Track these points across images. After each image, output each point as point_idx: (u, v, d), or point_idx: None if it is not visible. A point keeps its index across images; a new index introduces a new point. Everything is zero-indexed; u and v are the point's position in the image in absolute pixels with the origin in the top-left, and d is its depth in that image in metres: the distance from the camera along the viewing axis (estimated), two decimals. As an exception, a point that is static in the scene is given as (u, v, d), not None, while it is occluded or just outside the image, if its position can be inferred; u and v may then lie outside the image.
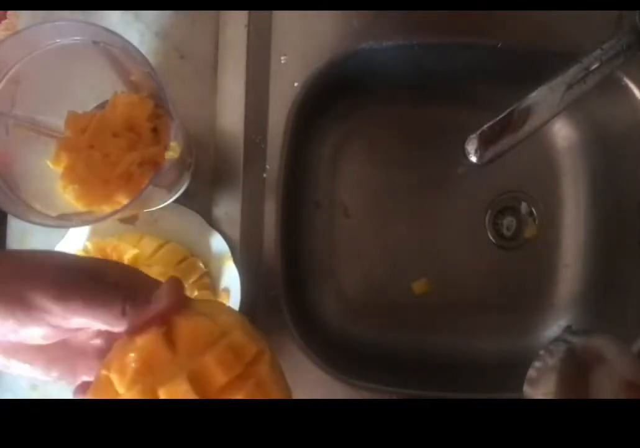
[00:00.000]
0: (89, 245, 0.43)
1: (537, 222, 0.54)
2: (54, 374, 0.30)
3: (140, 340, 0.27)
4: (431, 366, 0.52)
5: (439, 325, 0.54)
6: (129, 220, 0.45)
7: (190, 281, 0.43)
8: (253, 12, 0.45)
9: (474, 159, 0.40)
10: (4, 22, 0.50)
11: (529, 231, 0.54)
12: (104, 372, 0.27)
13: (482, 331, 0.53)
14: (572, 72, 0.39)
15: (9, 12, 0.49)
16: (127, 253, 0.42)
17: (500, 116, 0.39)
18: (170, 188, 0.41)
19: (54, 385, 0.46)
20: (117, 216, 0.35)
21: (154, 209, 0.43)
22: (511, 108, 0.39)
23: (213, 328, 0.28)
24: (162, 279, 0.41)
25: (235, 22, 0.45)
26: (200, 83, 0.45)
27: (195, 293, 0.43)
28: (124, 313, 0.27)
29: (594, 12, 0.44)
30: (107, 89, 0.39)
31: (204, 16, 0.45)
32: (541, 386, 0.34)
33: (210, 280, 0.45)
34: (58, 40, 0.35)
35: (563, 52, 0.44)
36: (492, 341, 0.53)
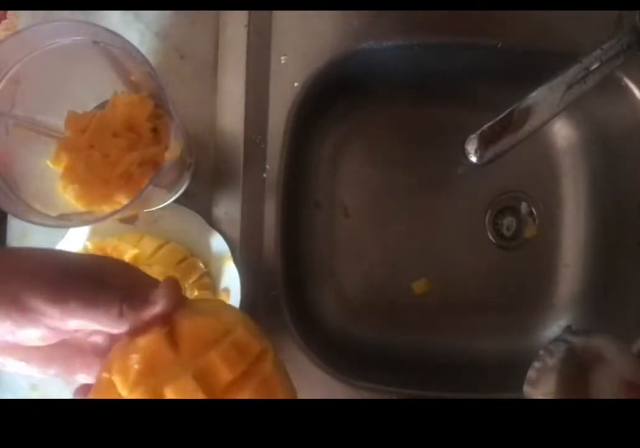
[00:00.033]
0: (89, 245, 0.43)
1: (537, 222, 0.54)
2: (51, 371, 0.30)
3: (143, 341, 0.27)
4: (431, 366, 0.52)
5: (439, 325, 0.54)
6: (129, 220, 0.45)
7: (190, 281, 0.43)
8: (253, 12, 0.45)
9: (474, 159, 0.40)
10: (4, 22, 0.50)
11: (529, 231, 0.54)
12: (105, 375, 0.27)
13: (482, 331, 0.53)
14: (572, 72, 0.39)
15: (9, 12, 0.49)
16: (127, 253, 0.42)
17: (500, 116, 0.39)
18: (170, 188, 0.41)
19: (54, 385, 0.46)
20: (117, 216, 0.35)
21: (154, 209, 0.43)
22: (511, 108, 0.39)
23: (216, 327, 0.28)
24: (161, 279, 0.41)
25: (235, 22, 0.45)
26: (200, 83, 0.45)
27: (195, 293, 0.43)
28: (121, 315, 0.27)
29: (594, 12, 0.44)
30: (107, 89, 0.39)
31: (204, 16, 0.45)
32: (541, 386, 0.34)
33: (210, 280, 0.45)
34: (58, 40, 0.35)
35: (563, 52, 0.44)
36: (492, 341, 0.53)
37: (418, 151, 0.54)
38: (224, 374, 0.26)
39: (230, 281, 0.44)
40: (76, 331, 0.29)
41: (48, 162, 0.38)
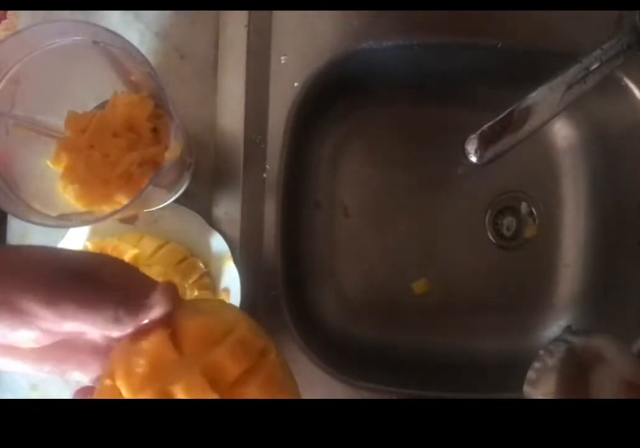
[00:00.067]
0: (89, 245, 0.43)
1: (537, 222, 0.54)
2: (46, 369, 0.29)
3: (146, 344, 0.26)
4: (431, 366, 0.52)
5: (439, 325, 0.54)
6: (129, 220, 0.45)
7: (190, 281, 0.43)
8: (253, 12, 0.45)
9: (474, 159, 0.40)
10: (4, 22, 0.50)
11: (529, 231, 0.54)
12: (107, 382, 0.27)
13: (482, 331, 0.53)
14: (572, 72, 0.39)
15: (9, 12, 0.49)
16: (127, 253, 0.42)
17: (500, 116, 0.39)
18: (170, 188, 0.41)
19: (54, 385, 0.46)
20: (117, 216, 0.35)
21: (154, 209, 0.43)
22: (511, 108, 0.39)
23: (219, 325, 0.28)
24: (162, 279, 0.41)
25: (235, 22, 0.45)
26: (200, 83, 0.45)
27: (195, 293, 0.43)
28: (117, 318, 0.27)
29: (594, 12, 0.44)
30: (107, 89, 0.39)
31: (204, 16, 0.45)
32: (541, 386, 0.34)
33: (210, 280, 0.45)
34: (58, 40, 0.35)
35: (563, 52, 0.44)
36: (492, 341, 0.53)
37: (418, 151, 0.54)
38: (232, 369, 0.26)
39: (230, 281, 0.44)
40: (70, 333, 0.28)
41: (48, 162, 0.38)
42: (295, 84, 0.46)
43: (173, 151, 0.35)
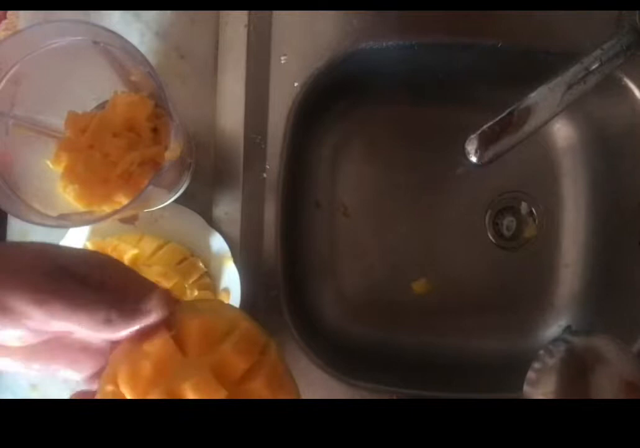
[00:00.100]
0: (89, 245, 0.43)
1: (537, 222, 0.54)
2: (35, 367, 0.28)
3: (151, 347, 0.26)
4: (431, 366, 0.52)
5: (439, 325, 0.54)
6: (129, 220, 0.45)
7: (190, 281, 0.43)
8: (253, 12, 0.45)
9: (474, 159, 0.40)
10: (4, 22, 0.50)
11: (529, 231, 0.54)
12: (109, 388, 0.26)
13: (482, 331, 0.53)
14: (572, 72, 0.39)
15: (9, 12, 0.49)
16: (127, 253, 0.42)
17: (500, 116, 0.39)
18: (170, 188, 0.41)
19: (53, 385, 0.46)
20: (117, 216, 0.35)
21: (154, 209, 0.43)
22: (511, 108, 0.39)
23: (220, 323, 0.28)
24: (162, 279, 0.41)
25: (235, 22, 0.45)
26: (200, 83, 0.45)
27: (195, 293, 0.43)
28: (109, 321, 0.26)
29: (594, 12, 0.44)
30: (107, 89, 0.39)
31: (204, 16, 0.45)
32: (541, 386, 0.34)
33: (210, 280, 0.45)
34: (58, 40, 0.35)
35: (563, 52, 0.44)
36: (492, 341, 0.53)
37: (418, 151, 0.54)
38: (238, 365, 0.27)
39: (230, 281, 0.44)
40: (57, 332, 0.27)
41: (48, 162, 0.38)
42: (295, 84, 0.46)
43: (173, 151, 0.35)
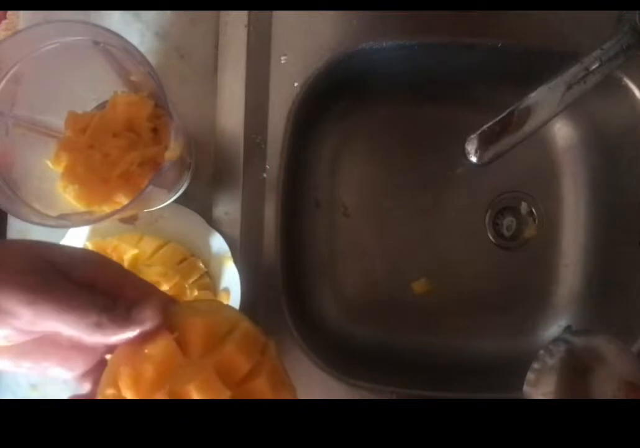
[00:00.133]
0: (89, 245, 0.43)
1: (537, 222, 0.54)
2: (26, 365, 0.28)
3: (152, 349, 0.26)
4: (431, 366, 0.52)
5: (439, 325, 0.54)
6: (129, 220, 0.45)
7: (190, 281, 0.43)
8: (253, 12, 0.45)
9: (474, 159, 0.40)
10: (4, 22, 0.50)
11: (529, 231, 0.54)
12: (110, 392, 0.26)
13: (482, 331, 0.53)
14: (572, 72, 0.39)
15: (9, 12, 0.49)
16: (127, 253, 0.42)
17: (500, 116, 0.39)
18: (170, 188, 0.41)
19: (53, 385, 0.46)
20: (117, 216, 0.35)
21: (154, 209, 0.43)
22: (511, 108, 0.39)
23: (221, 323, 0.28)
24: (162, 279, 0.41)
25: (235, 22, 0.45)
26: (200, 83, 0.45)
27: (195, 293, 0.43)
28: (99, 324, 0.25)
29: (594, 12, 0.44)
30: (107, 89, 0.39)
31: (204, 16, 0.45)
32: (541, 386, 0.34)
33: (210, 280, 0.45)
34: (58, 40, 0.35)
35: (563, 52, 0.44)
36: (492, 341, 0.53)
37: (418, 151, 0.54)
38: (242, 365, 0.27)
39: (230, 281, 0.44)
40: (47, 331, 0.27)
41: (48, 162, 0.38)
42: (295, 84, 0.46)
43: (173, 151, 0.35)
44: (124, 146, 0.38)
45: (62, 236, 0.45)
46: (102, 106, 0.40)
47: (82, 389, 0.30)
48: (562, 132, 0.53)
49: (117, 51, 0.36)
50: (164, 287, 0.42)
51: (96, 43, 0.35)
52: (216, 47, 0.45)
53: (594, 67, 0.39)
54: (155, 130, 0.39)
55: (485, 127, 0.39)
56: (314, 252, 0.53)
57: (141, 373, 0.26)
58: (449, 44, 0.47)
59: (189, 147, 0.42)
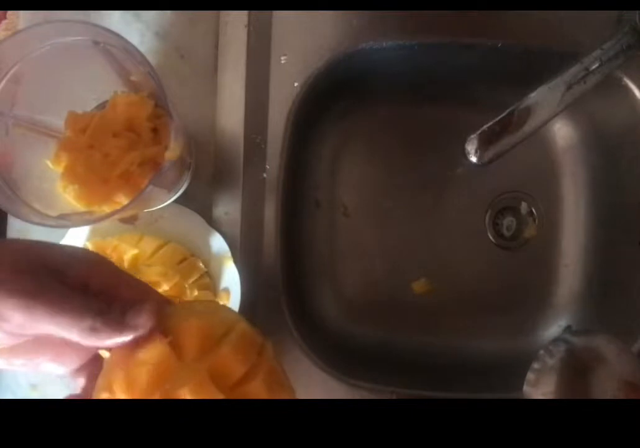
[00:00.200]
0: (89, 245, 0.43)
1: (537, 222, 0.54)
2: (18, 362, 0.28)
3: (146, 353, 0.26)
4: (431, 366, 0.52)
5: (439, 325, 0.54)
6: (129, 220, 0.45)
7: (190, 281, 0.43)
8: (253, 12, 0.45)
9: (474, 159, 0.40)
10: (4, 22, 0.50)
11: (529, 231, 0.54)
12: (104, 395, 0.26)
13: (482, 331, 0.53)
14: (572, 72, 0.39)
15: (9, 12, 0.49)
16: (127, 253, 0.42)
17: (500, 116, 0.39)
18: (170, 188, 0.41)
19: (53, 385, 0.46)
20: (117, 216, 0.35)
21: (154, 209, 0.43)
22: (511, 108, 0.39)
23: (217, 326, 0.28)
24: (162, 279, 0.41)
25: (235, 22, 0.45)
26: (200, 83, 0.45)
27: (195, 293, 0.43)
28: (93, 328, 0.25)
29: (594, 12, 0.44)
30: (107, 89, 0.39)
31: (204, 16, 0.45)
32: (541, 386, 0.34)
33: (210, 280, 0.45)
34: (58, 40, 0.35)
35: (563, 52, 0.44)
36: (492, 341, 0.53)
37: (418, 151, 0.54)
38: (237, 368, 0.27)
39: (230, 281, 0.44)
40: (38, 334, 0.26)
41: (48, 162, 0.38)
42: (295, 84, 0.46)
43: (173, 151, 0.35)
44: (124, 146, 0.38)
45: (62, 236, 0.45)
46: (102, 106, 0.40)
47: (77, 384, 0.30)
48: (562, 132, 0.53)
49: (117, 51, 0.36)
50: (164, 287, 0.42)
51: (96, 43, 0.35)
52: (216, 47, 0.45)
53: (594, 67, 0.39)
54: (155, 130, 0.39)
55: (485, 127, 0.39)
56: (314, 252, 0.53)
57: (135, 377, 0.26)
58: (449, 44, 0.47)
59: (189, 147, 0.42)
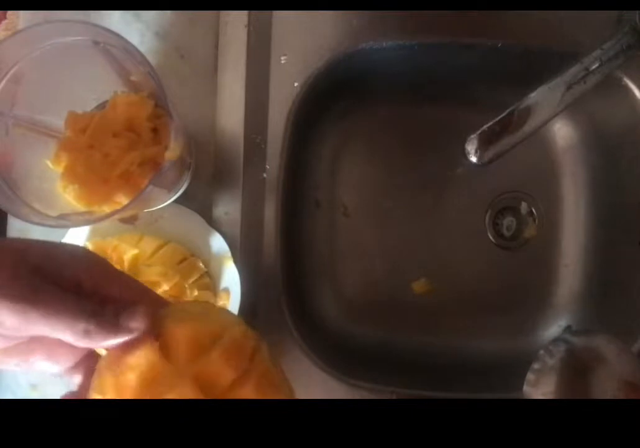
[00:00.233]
0: (89, 245, 0.43)
1: (537, 222, 0.54)
2: (13, 361, 0.28)
3: (136, 358, 0.26)
4: (431, 366, 0.52)
5: (439, 325, 0.54)
6: (129, 220, 0.45)
7: (190, 281, 0.43)
8: (253, 12, 0.45)
9: (474, 159, 0.40)
10: (4, 22, 0.50)
11: (529, 231, 0.54)
12: (96, 397, 0.26)
13: (482, 331, 0.53)
14: (572, 72, 0.39)
15: (9, 12, 0.49)
16: (127, 253, 0.42)
17: (500, 116, 0.39)
18: (170, 188, 0.41)
19: (53, 385, 0.46)
20: (117, 216, 0.35)
21: (154, 209, 0.43)
22: (511, 108, 0.39)
23: (208, 330, 0.27)
24: (162, 279, 0.41)
25: (235, 22, 0.45)
26: (200, 83, 0.45)
27: (195, 293, 0.43)
28: (87, 331, 0.25)
29: (594, 12, 0.44)
30: (107, 89, 0.39)
31: (204, 16, 0.45)
32: (541, 386, 0.34)
33: (210, 280, 0.45)
34: (58, 40, 0.35)
35: (563, 52, 0.44)
36: (492, 341, 0.53)
37: (418, 151, 0.54)
38: (226, 375, 0.26)
39: (230, 281, 0.44)
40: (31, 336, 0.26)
41: (48, 162, 0.38)
42: (295, 84, 0.46)
43: (173, 151, 0.35)
44: (124, 146, 0.38)
45: (62, 236, 0.45)
46: (102, 106, 0.40)
47: (73, 381, 0.29)
48: (562, 132, 0.53)
49: (117, 51, 0.36)
50: (164, 287, 0.42)
51: (96, 43, 0.35)
52: (216, 47, 0.45)
53: (594, 67, 0.39)
54: (155, 130, 0.39)
55: (485, 127, 0.39)
56: (314, 252, 0.53)
57: (124, 382, 0.25)
58: (449, 44, 0.47)
59: (189, 147, 0.42)
